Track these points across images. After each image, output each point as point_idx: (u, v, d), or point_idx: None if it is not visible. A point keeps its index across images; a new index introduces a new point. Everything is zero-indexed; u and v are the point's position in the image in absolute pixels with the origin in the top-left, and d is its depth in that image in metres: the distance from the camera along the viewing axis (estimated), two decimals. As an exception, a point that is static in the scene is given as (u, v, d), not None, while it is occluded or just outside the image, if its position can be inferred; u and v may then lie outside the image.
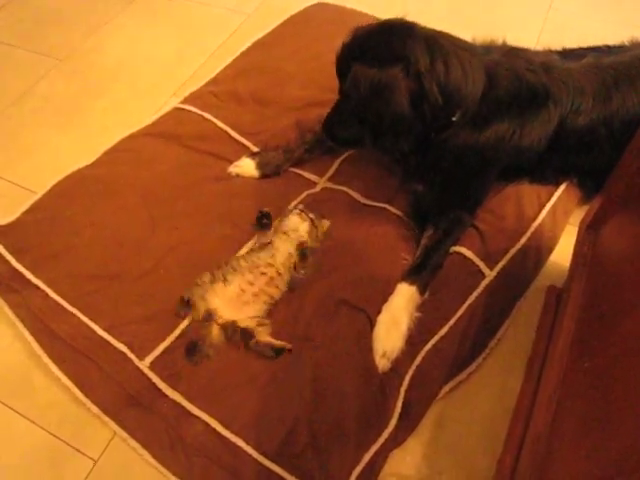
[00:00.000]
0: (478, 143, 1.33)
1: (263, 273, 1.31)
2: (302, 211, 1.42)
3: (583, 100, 1.39)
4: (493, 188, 1.52)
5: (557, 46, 1.68)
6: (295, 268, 1.34)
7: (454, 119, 1.28)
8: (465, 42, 1.34)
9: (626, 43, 1.60)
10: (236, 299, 1.29)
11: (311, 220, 1.40)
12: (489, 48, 1.40)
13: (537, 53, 1.53)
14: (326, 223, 1.45)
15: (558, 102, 1.37)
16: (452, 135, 1.32)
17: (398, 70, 1.19)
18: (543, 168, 1.51)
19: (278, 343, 1.25)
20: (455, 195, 1.44)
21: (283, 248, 1.36)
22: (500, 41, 1.47)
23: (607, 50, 1.58)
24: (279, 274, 1.32)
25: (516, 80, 1.33)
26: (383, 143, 1.32)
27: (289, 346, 1.25)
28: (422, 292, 1.31)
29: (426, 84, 1.20)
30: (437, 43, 1.24)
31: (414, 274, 1.32)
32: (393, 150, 1.36)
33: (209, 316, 1.28)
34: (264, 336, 1.25)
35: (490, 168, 1.42)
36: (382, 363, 1.22)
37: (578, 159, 1.49)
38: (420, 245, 1.40)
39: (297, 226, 1.39)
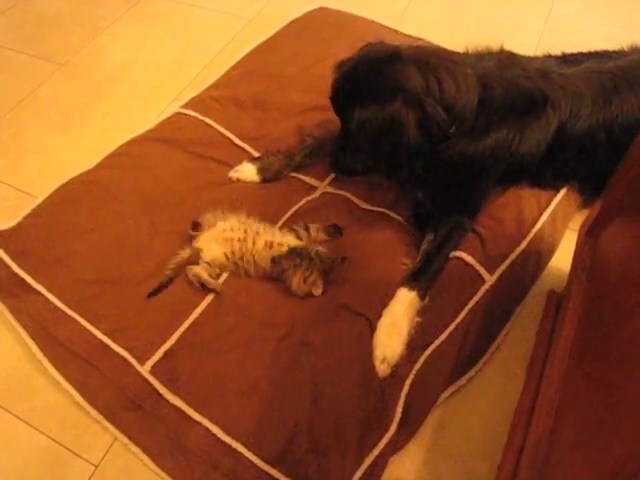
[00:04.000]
0: (477, 152, 1.34)
1: (245, 233, 1.39)
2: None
3: (582, 105, 1.39)
4: (493, 193, 1.52)
5: (557, 50, 1.68)
6: (305, 281, 1.34)
7: (451, 131, 1.29)
8: (454, 53, 1.35)
9: (625, 49, 1.60)
10: (215, 234, 1.39)
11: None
12: (482, 56, 1.41)
13: (533, 59, 1.54)
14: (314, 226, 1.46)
15: (557, 107, 1.37)
16: (450, 146, 1.32)
17: (400, 104, 1.19)
18: (543, 173, 1.51)
19: (211, 282, 1.35)
20: (455, 201, 1.44)
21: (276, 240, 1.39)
22: (496, 47, 1.47)
23: (607, 55, 1.59)
24: (253, 252, 1.37)
25: (511, 87, 1.34)
26: (397, 171, 1.34)
27: (218, 289, 1.35)
28: (422, 297, 1.31)
29: (429, 109, 1.20)
30: (426, 63, 1.24)
31: (414, 279, 1.32)
32: (405, 175, 1.36)
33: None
34: (202, 272, 1.35)
35: (489, 175, 1.42)
36: (382, 368, 1.22)
37: (578, 164, 1.49)
38: (420, 250, 1.40)
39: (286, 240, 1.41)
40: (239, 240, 1.38)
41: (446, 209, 1.43)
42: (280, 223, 1.50)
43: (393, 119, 1.20)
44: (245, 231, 1.39)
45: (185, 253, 1.40)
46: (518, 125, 1.34)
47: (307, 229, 1.43)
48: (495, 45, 1.52)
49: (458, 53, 1.38)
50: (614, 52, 1.60)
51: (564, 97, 1.38)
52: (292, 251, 1.35)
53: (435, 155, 1.30)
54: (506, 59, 1.41)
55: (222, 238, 1.39)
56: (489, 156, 1.34)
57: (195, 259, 1.38)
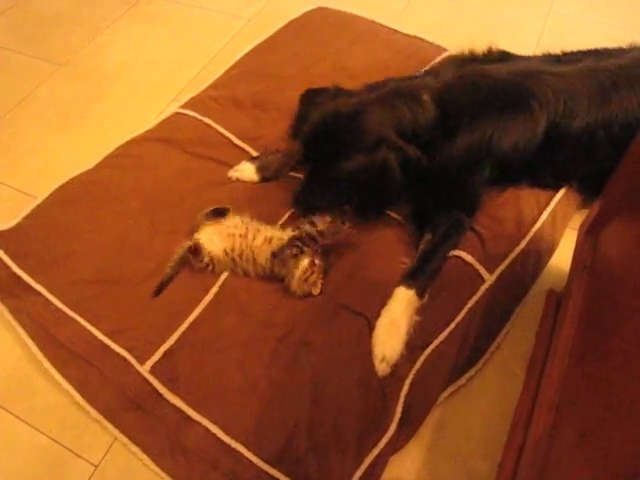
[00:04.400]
0: (449, 156, 1.38)
1: (247, 229, 1.40)
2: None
3: (577, 103, 1.39)
4: (488, 190, 1.52)
5: (557, 50, 1.69)
6: (306, 280, 1.34)
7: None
8: (409, 85, 1.44)
9: (624, 47, 1.60)
10: (219, 228, 1.40)
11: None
12: (439, 74, 1.50)
13: (515, 62, 1.57)
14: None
15: (544, 103, 1.38)
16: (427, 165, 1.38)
17: (384, 151, 1.32)
18: (542, 172, 1.51)
19: (197, 264, 1.38)
20: (449, 199, 1.45)
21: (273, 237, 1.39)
22: (493, 47, 1.60)
23: (605, 53, 1.59)
24: (253, 248, 1.38)
25: (473, 94, 1.40)
26: (377, 207, 1.44)
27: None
28: (420, 296, 1.31)
29: (409, 152, 1.33)
30: (389, 105, 1.36)
31: (412, 278, 1.32)
32: (376, 210, 1.46)
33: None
34: (196, 260, 1.38)
35: (474, 171, 1.43)
36: (382, 367, 1.22)
37: (577, 163, 1.49)
38: (419, 249, 1.40)
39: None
40: (240, 236, 1.38)
41: (442, 207, 1.43)
42: (280, 222, 1.49)
43: (381, 165, 1.32)
44: (247, 228, 1.40)
45: (185, 245, 1.39)
46: (492, 123, 1.37)
47: (313, 223, 1.39)
48: (494, 44, 1.66)
49: (416, 81, 1.49)
50: (613, 50, 1.60)
51: (553, 94, 1.38)
52: (292, 239, 1.35)
53: (418, 176, 1.38)
54: (466, 72, 1.48)
55: (225, 233, 1.39)
56: (464, 155, 1.38)
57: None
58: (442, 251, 1.38)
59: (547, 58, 1.63)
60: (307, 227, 1.36)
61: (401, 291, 1.30)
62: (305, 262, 1.33)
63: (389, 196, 1.39)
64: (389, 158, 1.31)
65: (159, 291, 1.37)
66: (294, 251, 1.33)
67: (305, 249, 1.34)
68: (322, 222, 1.37)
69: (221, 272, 1.40)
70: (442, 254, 1.38)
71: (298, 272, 1.32)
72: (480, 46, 1.72)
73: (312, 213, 1.40)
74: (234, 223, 1.42)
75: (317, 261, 1.34)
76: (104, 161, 1.69)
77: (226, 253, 1.38)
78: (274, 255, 1.36)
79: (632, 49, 1.59)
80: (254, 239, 1.38)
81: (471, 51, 1.73)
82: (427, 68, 1.82)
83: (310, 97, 1.57)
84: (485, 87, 1.40)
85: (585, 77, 1.42)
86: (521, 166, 1.45)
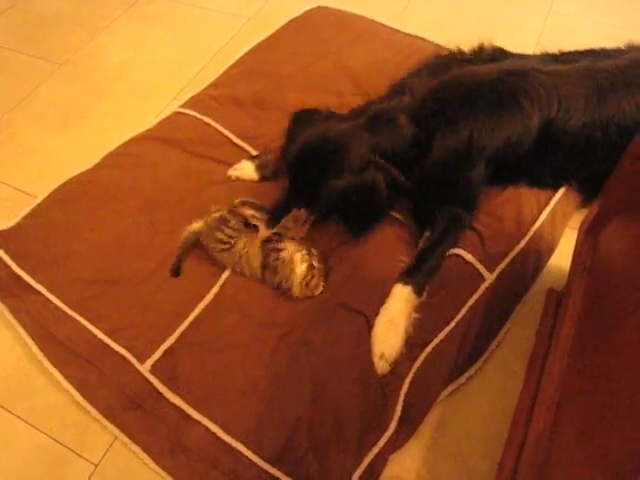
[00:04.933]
0: (434, 164, 1.40)
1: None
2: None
3: (573, 102, 1.39)
4: (492, 191, 1.52)
5: (556, 49, 1.69)
6: (307, 285, 1.34)
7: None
8: (386, 105, 1.49)
9: (622, 47, 1.60)
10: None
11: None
12: (412, 90, 1.53)
13: (510, 61, 1.57)
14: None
15: (535, 100, 1.38)
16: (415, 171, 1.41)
17: (372, 172, 1.35)
18: (540, 171, 1.51)
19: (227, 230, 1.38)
20: (445, 197, 1.45)
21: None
22: (486, 44, 1.64)
23: (604, 53, 1.58)
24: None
25: (450, 100, 1.42)
26: (368, 224, 1.45)
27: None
28: (418, 293, 1.31)
29: (393, 172, 1.37)
30: (369, 128, 1.41)
31: (409, 275, 1.33)
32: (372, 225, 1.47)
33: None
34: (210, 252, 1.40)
35: (465, 169, 1.43)
36: (381, 365, 1.22)
37: (576, 163, 1.49)
38: (418, 247, 1.41)
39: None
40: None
41: (440, 204, 1.44)
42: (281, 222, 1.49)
43: (368, 186, 1.35)
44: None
45: (192, 226, 1.42)
46: (469, 123, 1.38)
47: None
48: (487, 41, 1.71)
49: (393, 103, 1.50)
50: (611, 50, 1.59)
51: (546, 92, 1.39)
52: (262, 244, 1.37)
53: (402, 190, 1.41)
54: (441, 81, 1.49)
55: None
56: (446, 161, 1.40)
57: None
58: (440, 248, 1.38)
59: (544, 57, 1.63)
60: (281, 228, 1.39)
61: (398, 288, 1.31)
62: (303, 267, 1.33)
63: (377, 214, 1.44)
64: (378, 178, 1.36)
65: (176, 273, 1.40)
66: (273, 255, 1.34)
67: (280, 245, 1.34)
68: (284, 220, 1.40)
69: (225, 265, 1.40)
70: (440, 251, 1.38)
71: (298, 278, 1.32)
72: (471, 48, 1.75)
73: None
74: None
75: (316, 264, 1.34)
76: (104, 160, 1.69)
77: (244, 245, 1.38)
78: (263, 266, 1.36)
79: (630, 49, 1.59)
80: (253, 242, 1.38)
81: (460, 50, 1.75)
82: (410, 70, 1.83)
83: (300, 118, 1.59)
84: (465, 89, 1.43)
85: (582, 77, 1.42)
86: (518, 163, 1.45)
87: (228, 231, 1.38)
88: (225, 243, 1.37)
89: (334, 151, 1.38)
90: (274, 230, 1.38)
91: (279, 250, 1.34)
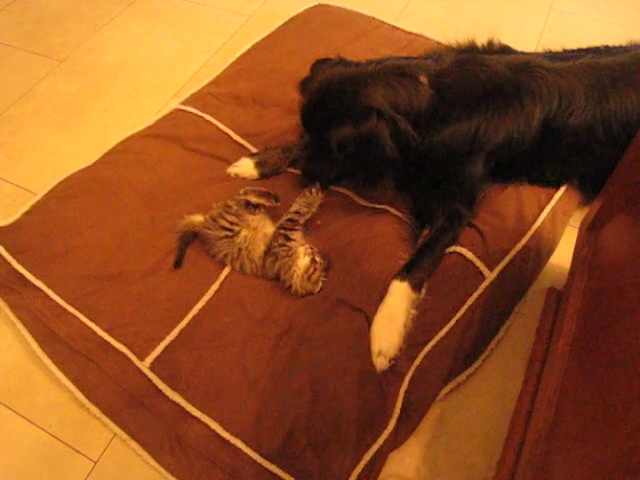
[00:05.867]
0: (439, 144, 1.38)
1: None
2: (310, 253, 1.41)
3: (574, 99, 1.39)
4: (493, 188, 1.53)
5: (558, 46, 1.69)
6: (309, 278, 1.34)
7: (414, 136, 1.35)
8: (409, 64, 1.40)
9: (624, 45, 1.59)
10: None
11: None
12: (440, 57, 1.46)
13: (502, 57, 1.55)
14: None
15: (537, 97, 1.37)
16: (417, 146, 1.36)
17: (375, 121, 1.29)
18: (541, 168, 1.51)
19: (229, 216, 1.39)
20: (445, 191, 1.45)
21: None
22: (495, 40, 1.61)
23: (605, 51, 1.58)
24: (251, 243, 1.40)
25: (467, 82, 1.38)
26: (374, 178, 1.43)
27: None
28: (415, 288, 1.30)
29: (400, 124, 1.30)
30: (385, 80, 1.33)
31: (405, 271, 1.32)
32: (376, 180, 1.46)
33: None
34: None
35: (465, 162, 1.42)
36: (379, 361, 1.22)
37: (577, 159, 1.49)
38: (417, 244, 1.40)
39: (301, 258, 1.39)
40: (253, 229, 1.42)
41: (439, 199, 1.43)
42: (281, 220, 1.49)
43: (371, 135, 1.30)
44: (258, 221, 1.43)
45: (188, 218, 1.44)
46: (482, 115, 1.36)
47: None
48: (496, 38, 1.67)
49: (415, 61, 1.45)
50: (613, 48, 1.59)
51: (548, 89, 1.38)
52: (276, 230, 1.38)
53: (408, 155, 1.36)
54: (465, 58, 1.45)
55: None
56: (452, 144, 1.38)
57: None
58: (438, 245, 1.38)
59: (547, 55, 1.63)
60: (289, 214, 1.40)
61: (395, 284, 1.31)
62: (306, 260, 1.34)
63: (382, 166, 1.37)
64: (379, 128, 1.29)
65: (178, 264, 1.41)
66: (280, 240, 1.35)
67: (291, 235, 1.35)
68: (295, 203, 1.42)
69: (223, 257, 1.40)
70: (438, 248, 1.38)
71: (300, 271, 1.33)
72: (481, 42, 1.72)
73: (321, 183, 1.45)
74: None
75: (318, 258, 1.35)
76: (104, 157, 1.69)
77: (245, 239, 1.39)
78: (266, 252, 1.36)
79: (632, 47, 1.58)
80: (256, 234, 1.39)
81: (471, 42, 1.73)
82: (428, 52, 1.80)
83: (318, 66, 1.57)
84: (481, 77, 1.39)
85: (583, 74, 1.41)
86: (519, 160, 1.45)
87: (230, 217, 1.39)
88: (228, 230, 1.38)
89: (337, 97, 1.33)
90: (288, 216, 1.39)
91: (289, 240, 1.35)
